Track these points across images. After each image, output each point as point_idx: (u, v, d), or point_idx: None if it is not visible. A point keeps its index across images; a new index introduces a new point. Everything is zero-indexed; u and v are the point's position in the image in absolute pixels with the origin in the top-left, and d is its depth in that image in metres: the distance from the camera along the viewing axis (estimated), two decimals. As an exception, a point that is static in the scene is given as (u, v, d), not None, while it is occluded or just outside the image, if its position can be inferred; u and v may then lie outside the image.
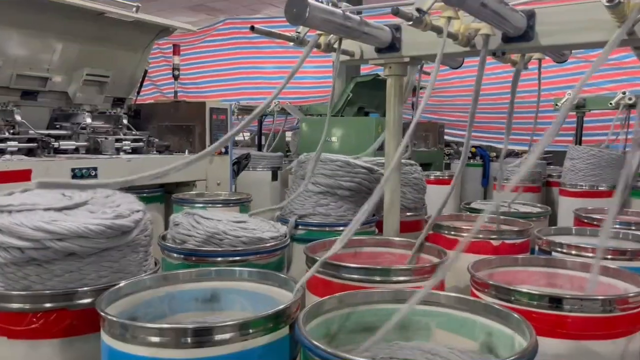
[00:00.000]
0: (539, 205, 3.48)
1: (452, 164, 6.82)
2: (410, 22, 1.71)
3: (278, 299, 1.57)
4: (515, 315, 1.34)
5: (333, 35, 2.15)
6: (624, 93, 4.60)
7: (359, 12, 2.01)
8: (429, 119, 7.45)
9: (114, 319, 1.28)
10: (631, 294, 1.55)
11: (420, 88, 5.91)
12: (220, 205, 3.15)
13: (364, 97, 5.69)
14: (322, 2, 1.85)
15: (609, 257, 2.09)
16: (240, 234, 1.99)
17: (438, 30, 1.83)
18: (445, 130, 6.97)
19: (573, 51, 2.72)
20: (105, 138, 3.51)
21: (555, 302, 1.54)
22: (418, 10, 1.68)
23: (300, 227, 2.59)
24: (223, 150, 3.85)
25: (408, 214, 2.98)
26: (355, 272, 1.78)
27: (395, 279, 1.79)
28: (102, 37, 3.64)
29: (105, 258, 1.53)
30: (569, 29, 1.97)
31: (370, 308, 1.50)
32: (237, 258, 1.97)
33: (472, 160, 7.31)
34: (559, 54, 2.51)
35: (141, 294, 1.57)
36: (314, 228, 2.59)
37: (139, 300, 1.56)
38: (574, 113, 5.38)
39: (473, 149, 7.45)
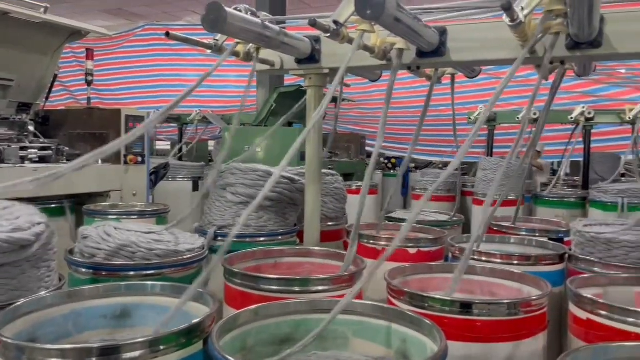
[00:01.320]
0: (452, 213, 3.63)
1: (373, 175, 6.98)
2: (328, 34, 1.73)
3: (193, 314, 1.52)
4: (427, 322, 1.38)
5: (252, 44, 2.14)
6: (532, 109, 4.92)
7: (280, 22, 2.02)
8: (351, 131, 7.60)
9: (9, 341, 1.18)
10: (534, 297, 1.65)
11: (342, 100, 6.02)
12: (135, 217, 3.02)
13: (287, 108, 5.68)
14: (240, 11, 1.84)
15: (515, 262, 2.20)
16: (154, 247, 1.91)
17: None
18: (367, 142, 7.14)
19: (485, 68, 2.87)
20: (9, 146, 3.27)
21: (465, 307, 1.61)
22: (335, 22, 1.70)
23: (219, 238, 2.53)
24: (140, 159, 3.70)
25: (329, 223, 3.00)
26: (274, 283, 1.76)
27: (314, 289, 1.78)
28: (6, 38, 3.40)
29: (2, 275, 1.42)
30: (477, 47, 2.08)
31: (287, 319, 1.49)
32: (151, 272, 1.89)
33: (392, 171, 7.54)
34: (470, 69, 2.64)
35: (42, 313, 1.46)
36: (233, 239, 2.54)
37: (40, 320, 1.45)
38: (486, 126, 5.68)
39: (393, 160, 7.69)
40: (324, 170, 3.14)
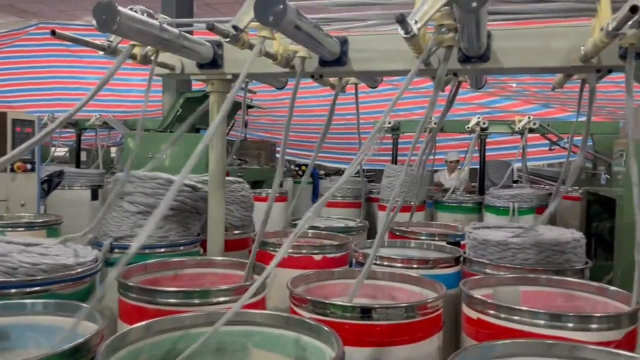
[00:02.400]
0: (358, 219, 3.70)
1: (284, 182, 6.98)
2: (227, 39, 1.70)
3: (79, 332, 1.41)
4: (326, 329, 1.38)
5: (151, 47, 2.05)
6: (430, 119, 5.16)
7: (182, 25, 1.95)
8: (261, 138, 7.57)
9: None
10: (430, 300, 1.71)
11: (251, 107, 5.97)
12: (22, 229, 2.78)
13: (194, 113, 5.56)
14: (136, 12, 1.76)
15: (415, 266, 2.28)
16: (39, 261, 1.77)
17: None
18: (278, 149, 7.14)
19: (392, 79, 2.96)
20: None
21: (365, 312, 1.63)
22: (234, 27, 1.67)
23: (116, 250, 2.39)
24: (29, 166, 3.43)
25: (235, 232, 2.94)
26: (172, 296, 1.69)
27: (215, 300, 1.73)
28: None
29: None
30: (377, 57, 2.14)
31: (184, 334, 1.43)
32: (36, 288, 1.74)
33: (303, 178, 7.58)
34: (372, 80, 2.71)
35: None
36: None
37: None
38: (390, 135, 5.88)
39: (304, 167, 7.74)
40: (229, 178, 3.09)
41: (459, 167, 7.12)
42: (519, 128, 5.09)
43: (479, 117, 5.26)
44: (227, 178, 2.84)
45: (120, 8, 1.58)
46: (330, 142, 7.78)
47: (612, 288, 1.85)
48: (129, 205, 2.45)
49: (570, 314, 1.53)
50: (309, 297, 1.67)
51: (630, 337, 1.55)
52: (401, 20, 1.47)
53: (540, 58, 1.98)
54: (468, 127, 5.23)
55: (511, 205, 4.43)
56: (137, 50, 2.02)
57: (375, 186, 5.88)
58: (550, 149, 5.72)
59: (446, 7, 1.57)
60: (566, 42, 1.93)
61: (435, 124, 5.00)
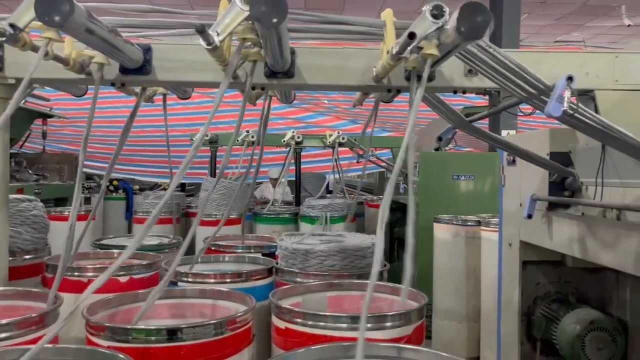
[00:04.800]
0: (172, 236, 3.56)
1: (92, 198, 6.43)
2: (4, 39, 1.49)
3: None
4: (121, 356, 1.27)
5: None
6: (247, 131, 5.22)
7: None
8: (63, 150, 6.87)
9: None
10: (239, 314, 1.69)
11: (50, 116, 5.40)
12: None
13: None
14: None
15: (228, 280, 2.26)
16: None
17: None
18: (85, 163, 6.55)
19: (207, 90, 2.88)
20: None
21: (171, 333, 1.55)
22: (12, 26, 1.48)
23: None
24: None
25: (26, 257, 2.60)
26: None
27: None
28: None
29: None
30: (184, 67, 2.08)
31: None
32: None
33: (114, 194, 7.06)
34: (182, 90, 2.63)
35: None
36: None
37: None
38: (208, 148, 5.80)
39: (115, 182, 7.22)
40: (18, 196, 2.73)
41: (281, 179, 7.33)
42: (329, 142, 5.41)
43: (293, 131, 5.47)
44: (15, 196, 2.51)
45: None
46: (145, 155, 7.39)
47: (404, 287, 2.03)
48: None
49: (369, 315, 1.64)
50: (106, 324, 1.53)
51: (419, 331, 1.71)
52: (201, 31, 1.44)
53: (339, 76, 2.12)
54: (284, 141, 5.40)
55: (324, 215, 4.67)
56: None
57: (194, 200, 5.74)
58: (357, 162, 6.19)
59: (248, 22, 1.58)
60: (361, 62, 2.09)
61: (252, 137, 5.07)
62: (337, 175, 5.67)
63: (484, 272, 3.82)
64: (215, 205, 4.68)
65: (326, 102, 7.58)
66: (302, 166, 6.14)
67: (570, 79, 1.54)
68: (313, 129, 7.39)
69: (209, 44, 1.53)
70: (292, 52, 2.04)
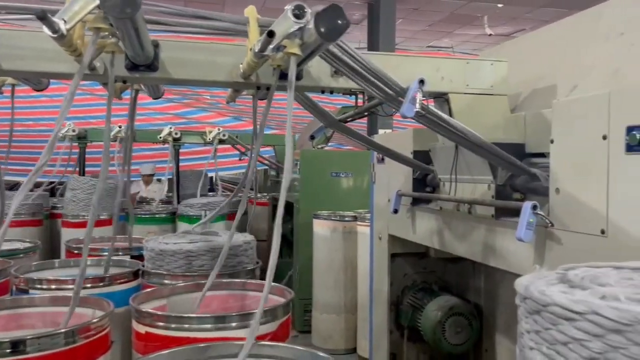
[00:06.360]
0: (29, 240, 3.26)
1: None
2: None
3: None
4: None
5: None
6: (120, 127, 4.93)
7: None
8: None
9: None
10: (94, 320, 1.59)
11: None
12: None
13: None
14: None
15: (89, 285, 2.11)
16: None
17: None
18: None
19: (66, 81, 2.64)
20: None
21: (15, 346, 1.42)
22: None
23: None
24: None
25: None
26: None
27: None
28: None
29: None
30: (34, 56, 1.90)
31: None
32: None
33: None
34: (36, 81, 2.41)
35: None
36: None
37: None
38: (77, 144, 5.40)
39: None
40: None
41: (156, 178, 7.01)
42: (210, 139, 5.29)
43: (170, 127, 5.28)
44: None
45: None
46: (14, 152, 6.69)
47: (273, 284, 2.04)
48: None
49: (233, 314, 1.62)
50: None
51: (284, 326, 1.73)
52: (43, 17, 1.32)
53: (207, 72, 2.06)
54: (160, 137, 5.19)
55: (203, 214, 4.56)
56: None
57: (59, 201, 5.32)
58: (240, 159, 6.13)
59: (100, 10, 1.49)
60: (229, 59, 2.05)
61: (124, 133, 4.80)
62: (214, 173, 5.55)
63: (360, 266, 3.97)
64: (82, 206, 4.36)
65: (208, 97, 7.40)
66: (181, 163, 5.94)
67: (422, 82, 1.64)
68: (194, 125, 7.18)
69: (54, 31, 1.41)
70: (156, 45, 1.96)
